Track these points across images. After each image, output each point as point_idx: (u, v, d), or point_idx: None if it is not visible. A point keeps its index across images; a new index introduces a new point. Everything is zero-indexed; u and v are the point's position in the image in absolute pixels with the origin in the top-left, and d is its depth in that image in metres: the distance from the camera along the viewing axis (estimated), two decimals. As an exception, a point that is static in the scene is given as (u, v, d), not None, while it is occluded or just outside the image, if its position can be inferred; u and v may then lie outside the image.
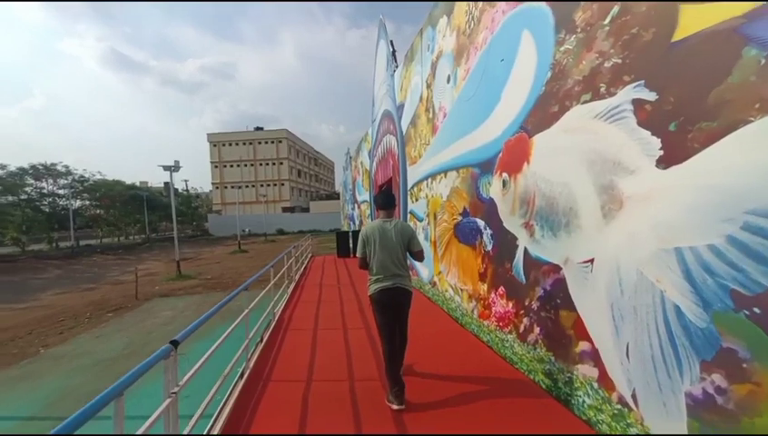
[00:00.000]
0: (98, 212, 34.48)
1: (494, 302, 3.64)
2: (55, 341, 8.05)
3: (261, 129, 54.63)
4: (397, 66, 8.39)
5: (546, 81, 2.74)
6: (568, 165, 2.48)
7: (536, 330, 2.91)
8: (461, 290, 4.50)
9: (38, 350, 7.51)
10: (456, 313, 4.71)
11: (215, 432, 2.41)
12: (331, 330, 4.59)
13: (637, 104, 1.94)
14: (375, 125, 11.71)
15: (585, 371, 2.38)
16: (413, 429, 2.39)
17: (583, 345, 2.40)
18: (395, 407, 2.59)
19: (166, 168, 15.79)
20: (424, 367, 3.35)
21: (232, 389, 2.90)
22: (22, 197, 26.18)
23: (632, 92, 1.97)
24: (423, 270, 6.33)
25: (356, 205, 18.84)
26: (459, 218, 4.51)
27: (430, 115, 5.67)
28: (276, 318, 5.03)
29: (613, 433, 2.15)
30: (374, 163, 12.26)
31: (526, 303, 3.04)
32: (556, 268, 2.63)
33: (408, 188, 7.16)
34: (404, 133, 7.46)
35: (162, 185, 58.63)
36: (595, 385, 2.29)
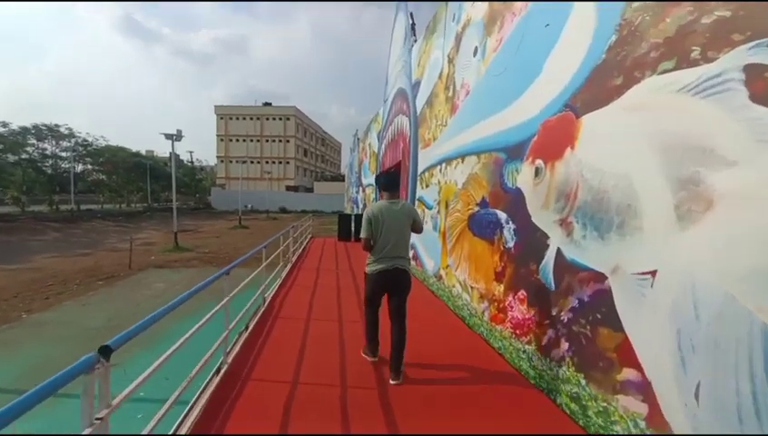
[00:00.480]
0: (101, 177, 34.13)
1: (511, 307, 3.20)
2: (40, 306, 7.75)
3: (270, 105, 53.69)
4: (416, 40, 7.77)
5: (607, 47, 2.23)
6: (630, 152, 1.99)
7: (564, 345, 2.48)
8: (471, 287, 4.07)
9: (21, 314, 7.21)
10: (462, 312, 4.30)
11: (182, 433, 2.03)
12: (325, 321, 4.20)
13: (753, 71, 1.44)
14: (387, 105, 11.11)
15: (629, 403, 1.95)
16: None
17: (628, 373, 1.96)
18: (369, 359, 2.96)
19: (168, 136, 15.29)
20: (424, 366, 2.97)
21: (205, 387, 2.51)
22: (23, 157, 25.80)
23: (745, 55, 1.47)
24: (428, 262, 5.90)
25: (360, 188, 18.34)
26: (476, 209, 4.04)
27: (450, 94, 5.13)
28: (266, 303, 4.63)
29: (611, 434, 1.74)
30: (383, 146, 11.72)
31: (554, 313, 2.60)
32: (600, 277, 2.18)
33: (419, 173, 6.67)
34: (418, 113, 6.92)
35: (168, 155, 58.45)
36: (642, 424, 1.87)
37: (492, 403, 2.54)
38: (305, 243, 10.59)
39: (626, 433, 1.96)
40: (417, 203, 6.79)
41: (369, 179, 14.77)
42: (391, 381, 2.69)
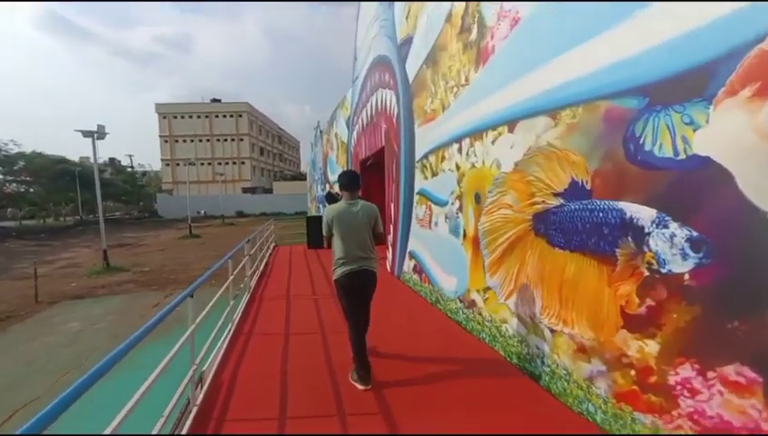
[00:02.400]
0: (19, 188, 29.28)
1: (686, 388, 1.65)
2: None
3: (219, 101, 49.67)
4: (398, -9, 6.08)
5: None
6: None
7: None
8: (553, 330, 2.49)
9: None
10: (531, 365, 2.73)
11: None
12: (315, 418, 2.44)
13: None
14: (357, 85, 9.34)
15: None
16: None
17: None
18: (360, 387, 2.61)
19: (86, 134, 12.49)
20: None
21: None
22: None
23: None
24: (444, 278, 4.28)
25: (327, 185, 16.42)
26: (554, 202, 2.47)
27: (472, 37, 3.52)
28: (206, 386, 2.74)
29: None
30: (354, 133, 9.95)
31: None
32: None
33: (418, 158, 5.02)
34: (411, 80, 5.26)
35: (108, 161, 52.30)
36: None
37: None
38: (267, 256, 8.60)
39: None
40: (417, 198, 5.14)
41: (339, 174, 12.93)
42: (359, 387, 2.62)
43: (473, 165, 3.56)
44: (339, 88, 12.34)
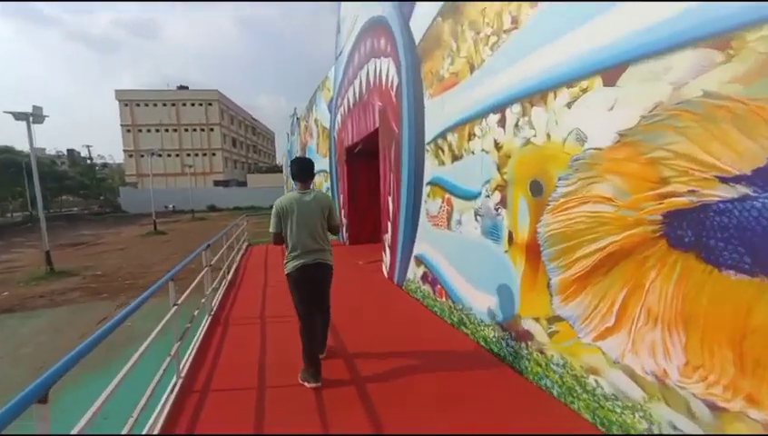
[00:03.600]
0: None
1: None
2: None
3: (186, 88, 46.63)
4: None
5: None
6: None
7: None
8: (717, 407, 1.51)
9: None
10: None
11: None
12: None
13: None
14: (341, 62, 8.13)
15: None
16: None
17: None
18: (310, 385, 2.53)
19: (18, 117, 10.63)
20: None
21: None
22: None
23: None
24: (475, 296, 3.25)
25: (306, 178, 15.09)
26: (719, 192, 1.45)
27: (525, -42, 2.46)
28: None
29: None
30: (338, 117, 8.75)
31: None
32: None
33: (430, 139, 3.95)
34: (418, 41, 4.16)
35: (66, 152, 47.99)
36: None
37: None
38: (239, 259, 7.32)
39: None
40: (428, 189, 4.07)
41: (320, 164, 11.68)
42: (309, 385, 2.52)
43: (527, 141, 2.52)
44: (317, 80, 11.22)
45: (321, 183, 11.64)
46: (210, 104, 45.33)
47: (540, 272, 2.43)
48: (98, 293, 9.18)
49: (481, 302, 3.13)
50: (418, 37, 4.17)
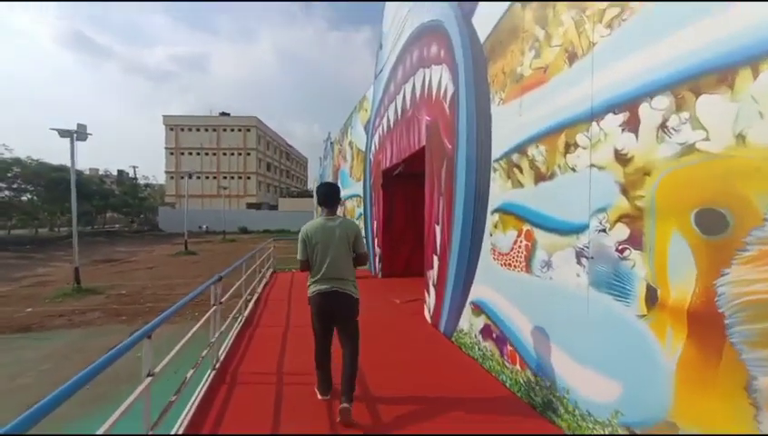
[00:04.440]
0: (11, 196, 27.87)
1: None
2: None
3: (228, 115, 48.93)
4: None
5: None
6: None
7: None
8: None
9: None
10: None
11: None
12: None
13: None
14: (381, 79, 7.61)
15: None
16: None
17: None
18: (320, 397, 2.63)
19: (63, 134, 10.85)
20: None
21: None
22: None
23: None
24: (582, 377, 2.28)
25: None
26: None
27: None
28: None
29: None
30: (374, 139, 8.14)
31: None
32: None
33: (500, 156, 3.11)
34: (484, 40, 3.42)
35: (116, 173, 51.22)
36: None
37: None
38: (261, 289, 6.61)
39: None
40: (496, 218, 3.19)
41: (352, 188, 11.10)
42: (341, 405, 2.37)
43: (689, 149, 1.63)
44: (349, 108, 10.91)
45: (354, 208, 10.99)
46: (248, 130, 47.14)
47: (725, 361, 1.47)
48: (117, 315, 8.74)
49: (589, 385, 2.15)
50: (484, 34, 3.43)
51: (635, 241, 1.88)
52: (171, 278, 13.74)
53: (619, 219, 1.97)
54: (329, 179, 17.66)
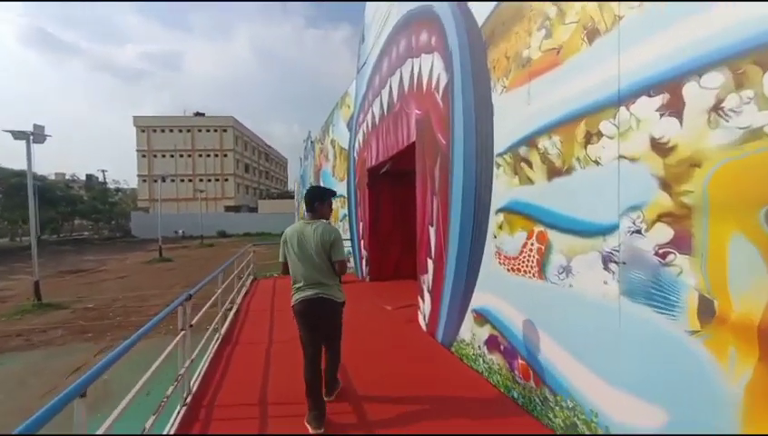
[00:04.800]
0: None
1: None
2: None
3: (203, 115, 47.32)
4: None
5: None
6: None
7: None
8: None
9: None
10: None
11: None
12: None
13: None
14: (365, 73, 7.25)
15: None
16: None
17: None
18: (312, 431, 2.34)
19: (17, 135, 9.95)
20: None
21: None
22: None
23: None
24: (602, 393, 1.99)
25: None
26: None
27: None
28: None
29: None
30: (359, 136, 7.78)
31: None
32: None
33: (504, 150, 2.81)
34: (482, 23, 3.12)
35: (85, 178, 48.52)
36: None
37: None
38: (240, 299, 6.14)
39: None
40: (500, 218, 2.89)
41: (335, 189, 10.67)
42: (325, 397, 2.53)
43: (754, 134, 1.36)
44: (330, 107, 10.60)
45: (337, 209, 10.58)
46: (224, 131, 45.71)
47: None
48: (83, 333, 8.03)
49: (623, 409, 1.87)
50: (482, 16, 3.14)
51: (681, 243, 1.61)
52: (143, 288, 12.93)
53: (659, 218, 1.70)
54: (311, 180, 17.15)
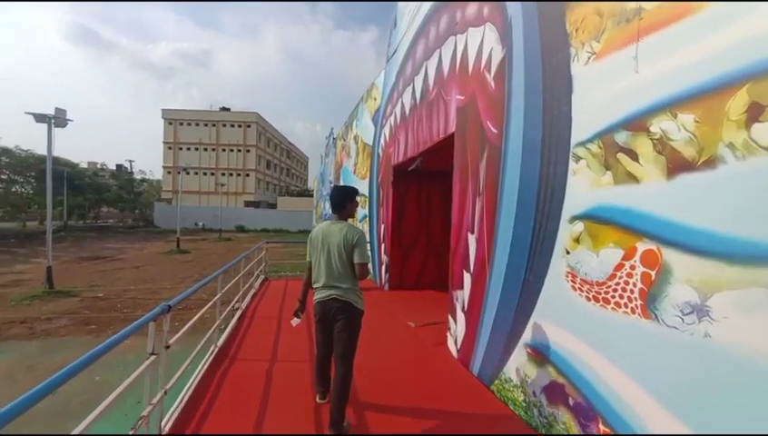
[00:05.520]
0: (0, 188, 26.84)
1: None
2: None
3: (228, 110, 47.90)
4: None
5: None
6: None
7: None
8: None
9: None
10: None
11: None
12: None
13: None
14: (395, 61, 6.62)
15: None
16: None
17: None
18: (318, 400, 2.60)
19: (39, 118, 9.83)
20: None
21: None
22: None
23: None
24: None
25: (339, 202, 13.54)
26: None
27: None
28: None
29: None
30: (384, 130, 7.14)
31: None
32: None
33: (592, 136, 2.09)
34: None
35: (116, 167, 50.05)
36: None
37: None
38: (246, 303, 5.57)
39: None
40: (582, 227, 2.17)
41: (357, 187, 10.07)
42: (329, 431, 2.27)
43: None
44: (353, 108, 10.09)
45: (357, 210, 9.98)
46: (248, 126, 46.09)
47: None
48: (86, 324, 7.69)
49: None
50: (559, -33, 2.43)
51: None
52: (156, 280, 12.68)
53: None
54: (331, 177, 16.65)
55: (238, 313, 4.80)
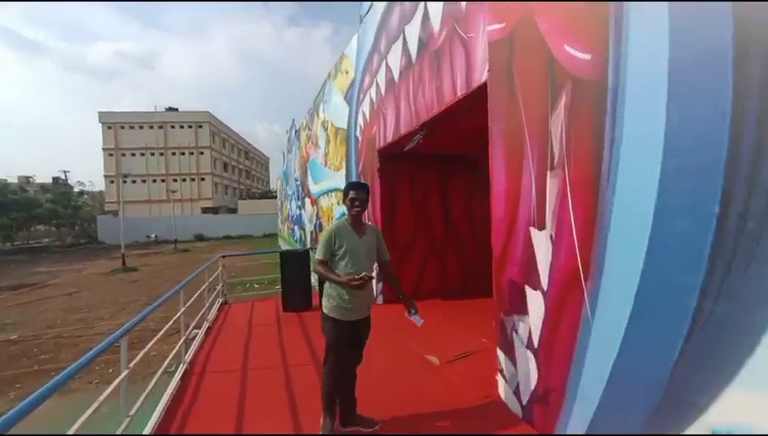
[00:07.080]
0: None
1: None
2: None
3: (176, 110, 44.11)
4: None
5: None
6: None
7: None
8: None
9: None
10: None
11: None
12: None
13: None
14: (374, 15, 5.26)
15: None
16: None
17: None
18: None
19: None
20: None
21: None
22: None
23: None
24: None
25: (308, 200, 12.04)
26: None
27: None
28: None
29: None
30: (365, 106, 5.78)
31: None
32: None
33: None
34: None
35: (51, 180, 44.25)
36: None
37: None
38: (194, 350, 4.03)
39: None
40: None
41: (328, 181, 8.65)
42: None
43: None
44: (311, 106, 8.65)
45: (332, 207, 8.55)
46: (200, 127, 42.67)
47: None
48: (-18, 383, 5.78)
49: None
50: None
51: None
52: (93, 308, 10.58)
53: None
54: (296, 174, 15.00)
55: (183, 366, 3.28)
